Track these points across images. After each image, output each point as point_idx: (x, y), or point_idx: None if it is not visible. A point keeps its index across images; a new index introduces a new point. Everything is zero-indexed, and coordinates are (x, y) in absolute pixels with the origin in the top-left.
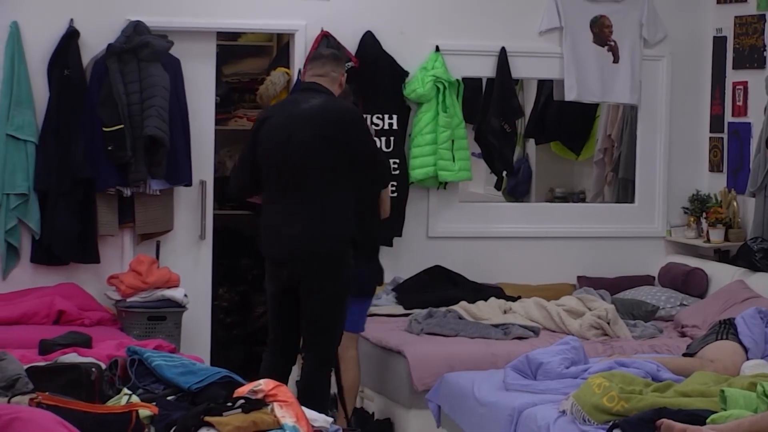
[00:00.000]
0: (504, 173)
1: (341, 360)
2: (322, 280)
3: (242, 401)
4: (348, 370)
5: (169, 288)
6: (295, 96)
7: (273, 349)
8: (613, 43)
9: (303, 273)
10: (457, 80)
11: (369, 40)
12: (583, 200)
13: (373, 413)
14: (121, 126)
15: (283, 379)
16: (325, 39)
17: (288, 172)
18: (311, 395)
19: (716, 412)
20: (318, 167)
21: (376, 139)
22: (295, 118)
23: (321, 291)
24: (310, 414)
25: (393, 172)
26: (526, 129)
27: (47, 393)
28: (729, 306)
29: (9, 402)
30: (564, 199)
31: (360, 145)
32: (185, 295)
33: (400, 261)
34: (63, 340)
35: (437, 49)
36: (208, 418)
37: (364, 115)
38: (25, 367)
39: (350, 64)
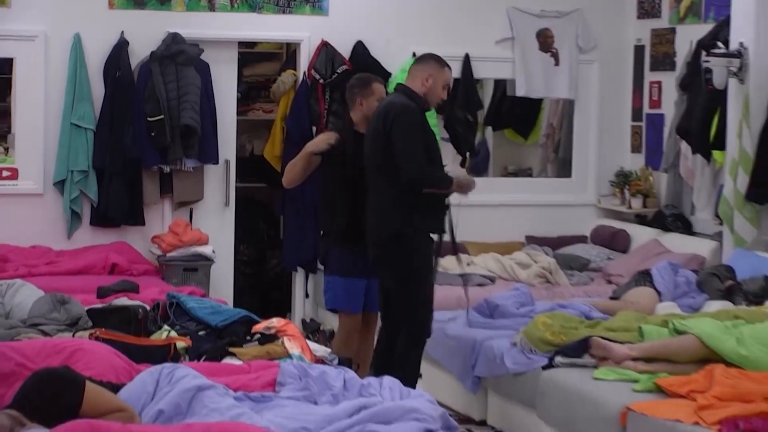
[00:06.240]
0: (468, 154)
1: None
2: (388, 263)
3: (258, 336)
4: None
5: (200, 245)
6: None
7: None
8: (554, 50)
9: (375, 256)
10: None
11: (360, 48)
12: (530, 175)
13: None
14: (162, 117)
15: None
16: (325, 47)
17: (366, 166)
18: (401, 366)
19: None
20: (373, 162)
21: None
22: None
23: (388, 272)
24: (312, 345)
25: None
26: (485, 118)
27: (103, 329)
28: (646, 259)
29: (73, 336)
30: (515, 174)
31: (396, 139)
32: (213, 251)
33: None
34: (116, 286)
35: (414, 54)
36: (231, 349)
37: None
38: (86, 308)
39: (344, 67)
